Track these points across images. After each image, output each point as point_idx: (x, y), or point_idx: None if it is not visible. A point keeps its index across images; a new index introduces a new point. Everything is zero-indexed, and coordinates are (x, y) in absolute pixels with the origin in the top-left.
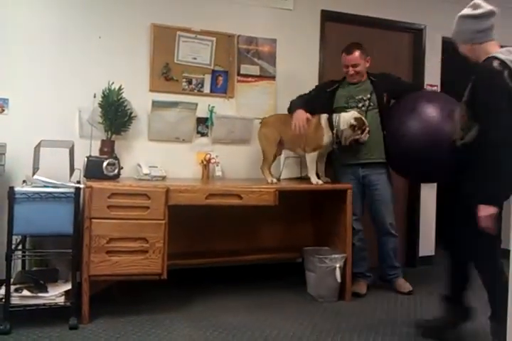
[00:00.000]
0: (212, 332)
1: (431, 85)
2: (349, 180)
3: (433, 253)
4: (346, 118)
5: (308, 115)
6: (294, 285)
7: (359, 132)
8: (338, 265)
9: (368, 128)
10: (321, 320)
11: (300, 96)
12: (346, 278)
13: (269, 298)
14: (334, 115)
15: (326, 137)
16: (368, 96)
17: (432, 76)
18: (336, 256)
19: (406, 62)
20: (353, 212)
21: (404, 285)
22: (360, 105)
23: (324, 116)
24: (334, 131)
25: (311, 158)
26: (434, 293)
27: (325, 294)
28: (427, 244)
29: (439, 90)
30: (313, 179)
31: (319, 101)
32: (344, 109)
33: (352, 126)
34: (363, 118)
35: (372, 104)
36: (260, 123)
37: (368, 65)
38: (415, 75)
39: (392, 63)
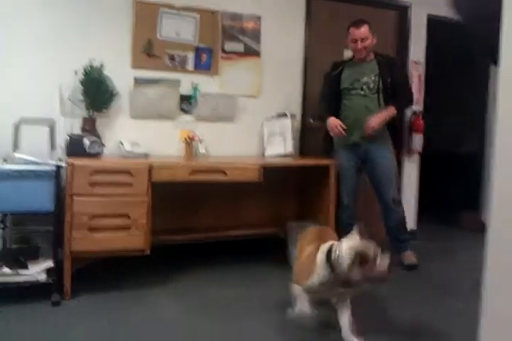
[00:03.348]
0: (196, 306)
1: (416, 62)
2: (347, 157)
3: (415, 228)
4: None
5: (339, 121)
6: (277, 259)
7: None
8: None
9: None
10: None
11: (322, 99)
12: None
13: (253, 272)
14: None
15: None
16: (373, 78)
17: (417, 53)
18: None
19: (391, 40)
20: (345, 191)
21: (407, 258)
22: (364, 87)
23: (325, 246)
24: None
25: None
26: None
27: None
28: (409, 219)
29: (423, 67)
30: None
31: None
32: (349, 91)
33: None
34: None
35: (376, 86)
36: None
37: (374, 41)
38: (400, 52)
39: (378, 40)
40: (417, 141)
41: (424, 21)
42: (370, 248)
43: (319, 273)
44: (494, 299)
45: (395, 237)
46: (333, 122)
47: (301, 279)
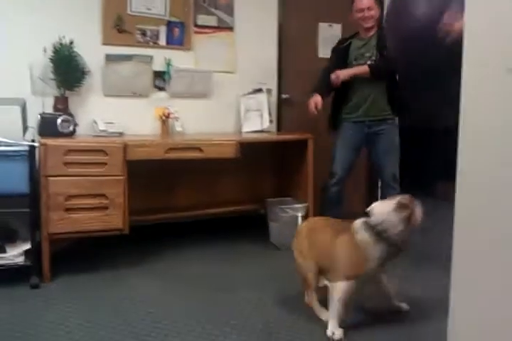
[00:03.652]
0: (176, 283)
1: None
2: (349, 131)
3: None
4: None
5: (320, 101)
6: (257, 236)
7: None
8: (300, 214)
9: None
10: (283, 265)
11: (320, 76)
12: None
13: (232, 249)
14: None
15: (372, 259)
16: (374, 52)
17: None
18: (298, 205)
19: None
20: (338, 164)
21: None
22: (362, 62)
23: (358, 224)
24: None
25: (338, 292)
26: None
27: (287, 242)
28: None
29: None
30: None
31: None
32: (354, 67)
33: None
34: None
35: (375, 59)
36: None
37: (379, 12)
38: None
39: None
40: None
41: None
42: (406, 199)
43: (374, 249)
44: (462, 266)
45: None
46: (314, 99)
47: (353, 269)
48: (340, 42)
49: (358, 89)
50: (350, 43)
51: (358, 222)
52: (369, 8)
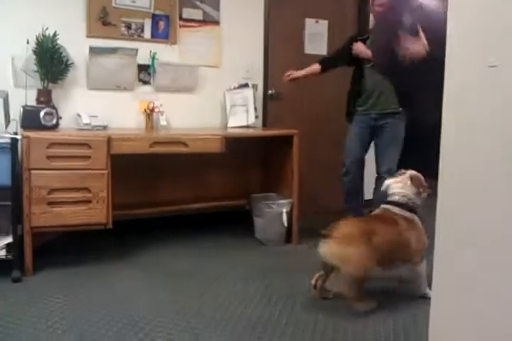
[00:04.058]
0: (161, 277)
1: None
2: (358, 123)
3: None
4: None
5: (297, 74)
6: (242, 231)
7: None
8: (284, 210)
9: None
10: (269, 260)
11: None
12: (293, 223)
13: (217, 244)
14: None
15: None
16: None
17: None
18: (283, 201)
19: (351, 9)
20: (348, 155)
21: None
22: None
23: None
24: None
25: (423, 269)
26: None
27: (272, 238)
28: (371, 188)
29: None
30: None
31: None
32: (366, 61)
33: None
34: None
35: None
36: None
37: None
38: (361, 22)
39: (339, 9)
40: None
41: None
42: (415, 173)
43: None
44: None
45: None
46: (299, 72)
47: (424, 246)
48: (358, 34)
49: (368, 82)
50: (368, 37)
51: (390, 207)
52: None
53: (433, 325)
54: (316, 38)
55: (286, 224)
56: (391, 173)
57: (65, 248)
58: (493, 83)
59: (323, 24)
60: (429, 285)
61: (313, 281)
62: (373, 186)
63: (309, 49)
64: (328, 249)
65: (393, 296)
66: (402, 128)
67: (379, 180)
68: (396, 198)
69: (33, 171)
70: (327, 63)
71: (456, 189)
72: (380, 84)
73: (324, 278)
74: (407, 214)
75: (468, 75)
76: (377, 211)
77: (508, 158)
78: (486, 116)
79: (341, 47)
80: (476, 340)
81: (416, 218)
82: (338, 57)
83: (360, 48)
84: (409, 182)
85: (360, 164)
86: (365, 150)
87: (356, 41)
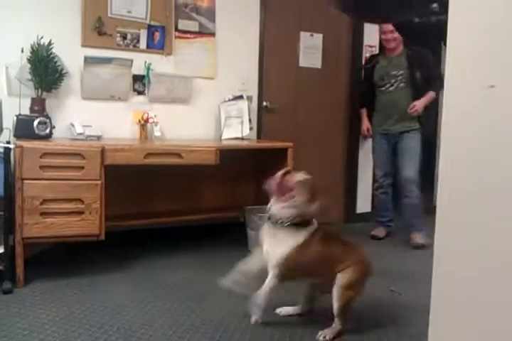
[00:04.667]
0: (153, 290)
1: (370, 46)
2: (380, 141)
3: (370, 210)
4: None
5: (368, 126)
6: (236, 243)
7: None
8: None
9: None
10: None
11: (358, 89)
12: None
13: (211, 257)
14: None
15: None
16: (401, 72)
17: (371, 36)
18: None
19: (346, 22)
20: (380, 168)
21: (415, 239)
22: (393, 81)
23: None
24: None
25: None
26: None
27: None
28: (366, 201)
29: (377, 51)
30: None
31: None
32: (380, 84)
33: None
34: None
35: (404, 79)
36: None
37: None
38: (355, 36)
39: (333, 22)
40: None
41: None
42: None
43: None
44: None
45: (406, 217)
46: (363, 126)
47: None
48: (368, 61)
49: (386, 103)
50: (376, 62)
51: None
52: (392, 31)
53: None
54: (311, 51)
55: None
56: (410, 181)
57: (58, 259)
58: (493, 103)
59: (318, 37)
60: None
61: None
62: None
63: (304, 62)
64: None
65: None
66: (419, 140)
67: (403, 188)
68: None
69: (25, 181)
70: (365, 101)
71: (456, 208)
72: (395, 104)
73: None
74: None
75: (467, 96)
76: None
77: (509, 177)
78: (487, 134)
79: (361, 80)
80: None
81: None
82: (365, 91)
83: (416, 113)
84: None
85: (392, 176)
86: (391, 163)
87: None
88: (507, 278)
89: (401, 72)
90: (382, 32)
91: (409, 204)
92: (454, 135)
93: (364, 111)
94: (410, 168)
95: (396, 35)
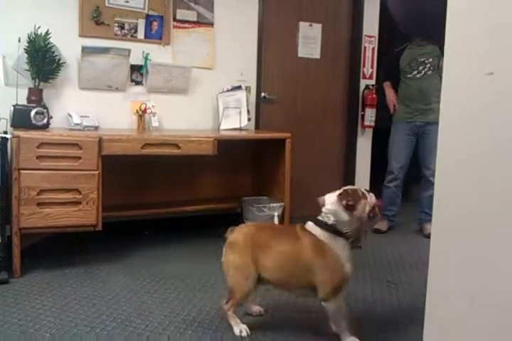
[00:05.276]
0: (150, 281)
1: (369, 36)
2: (402, 130)
3: None
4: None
5: (394, 100)
6: None
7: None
8: (276, 213)
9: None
10: None
11: (382, 66)
12: None
13: (208, 247)
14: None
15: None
16: (431, 60)
17: (370, 27)
18: (274, 204)
19: (345, 13)
20: (398, 160)
21: (428, 229)
22: (420, 68)
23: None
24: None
25: (334, 308)
26: None
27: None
28: None
29: (376, 41)
30: None
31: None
32: (407, 71)
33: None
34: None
35: (432, 67)
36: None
37: None
38: (354, 26)
39: (332, 12)
40: (370, 115)
41: None
42: (355, 188)
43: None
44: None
45: (422, 208)
46: (389, 99)
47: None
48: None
49: (412, 90)
50: (404, 48)
51: (310, 224)
52: None
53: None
54: (310, 41)
55: None
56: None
57: (54, 249)
58: (491, 91)
59: (317, 27)
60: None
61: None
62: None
63: (303, 52)
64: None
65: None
66: None
67: (428, 182)
68: (321, 215)
69: (22, 171)
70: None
71: (453, 197)
72: (421, 92)
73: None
74: (324, 235)
75: (465, 83)
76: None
77: (509, 165)
78: (484, 121)
79: (387, 61)
80: None
81: (333, 245)
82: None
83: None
84: (335, 199)
85: (406, 171)
86: (411, 156)
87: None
88: (505, 275)
89: (430, 59)
90: None
91: (428, 196)
92: (452, 130)
93: (389, 84)
94: (433, 162)
95: None
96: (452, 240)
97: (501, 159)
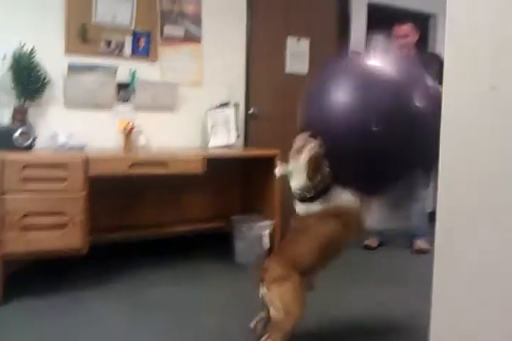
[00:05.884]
0: (137, 307)
1: (356, 53)
2: None
3: None
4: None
5: None
6: (223, 254)
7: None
8: (266, 232)
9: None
10: (250, 286)
11: None
12: (274, 245)
13: (197, 269)
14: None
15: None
16: None
17: (357, 43)
18: (264, 223)
19: (332, 28)
20: None
21: (420, 244)
22: None
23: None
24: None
25: None
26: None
27: (253, 261)
28: None
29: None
30: None
31: None
32: None
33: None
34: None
35: None
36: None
37: (416, 38)
38: (341, 41)
39: (319, 28)
40: None
41: (365, 10)
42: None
43: None
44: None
45: (415, 223)
46: None
47: None
48: None
49: None
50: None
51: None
52: (404, 36)
53: None
54: (298, 56)
55: (267, 246)
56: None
57: (41, 274)
58: (493, 105)
59: (305, 42)
60: None
61: (252, 324)
62: None
63: (291, 68)
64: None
65: None
66: None
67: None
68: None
69: (6, 195)
70: None
71: (455, 212)
72: None
73: (265, 321)
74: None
75: (466, 98)
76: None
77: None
78: (485, 139)
79: None
80: None
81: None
82: None
83: None
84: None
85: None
86: None
87: None
88: (507, 278)
89: None
90: (393, 37)
91: (420, 210)
92: (453, 136)
93: None
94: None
95: (409, 39)
96: (456, 242)
97: (505, 178)
